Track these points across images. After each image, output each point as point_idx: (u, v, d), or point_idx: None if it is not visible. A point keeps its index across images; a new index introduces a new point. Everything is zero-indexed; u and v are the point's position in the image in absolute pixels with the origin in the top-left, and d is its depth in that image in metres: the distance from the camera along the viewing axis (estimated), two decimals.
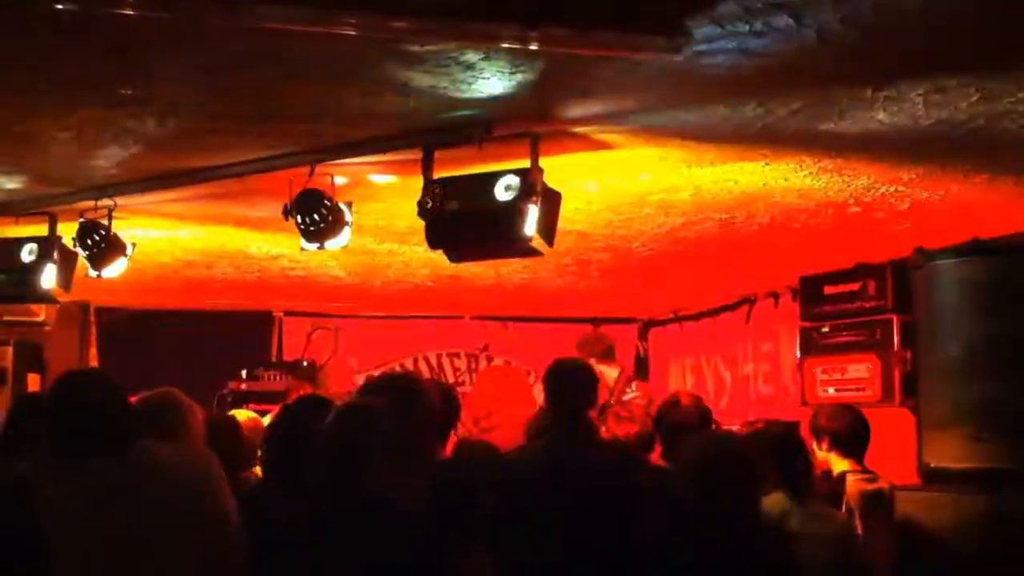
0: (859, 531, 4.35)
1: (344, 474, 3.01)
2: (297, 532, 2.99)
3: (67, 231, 5.52)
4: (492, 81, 3.70)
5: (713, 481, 3.57)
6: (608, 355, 7.32)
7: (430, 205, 4.29)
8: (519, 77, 3.67)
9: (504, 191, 4.16)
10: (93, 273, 5.49)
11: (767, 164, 4.74)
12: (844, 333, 6.74)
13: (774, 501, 4.01)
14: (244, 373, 8.57)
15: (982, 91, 3.77)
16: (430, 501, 3.28)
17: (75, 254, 5.50)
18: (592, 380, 4.30)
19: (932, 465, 4.49)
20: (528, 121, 4.09)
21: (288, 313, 9.72)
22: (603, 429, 4.87)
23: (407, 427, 3.42)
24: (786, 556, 3.61)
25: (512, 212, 4.14)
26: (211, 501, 3.26)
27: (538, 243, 4.23)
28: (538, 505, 3.91)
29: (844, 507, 4.46)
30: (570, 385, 4.20)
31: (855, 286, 6.67)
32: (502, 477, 4.14)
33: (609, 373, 7.17)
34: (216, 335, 9.02)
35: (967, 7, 3.15)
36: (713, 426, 5.31)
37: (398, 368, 9.73)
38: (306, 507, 3.03)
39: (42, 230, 5.62)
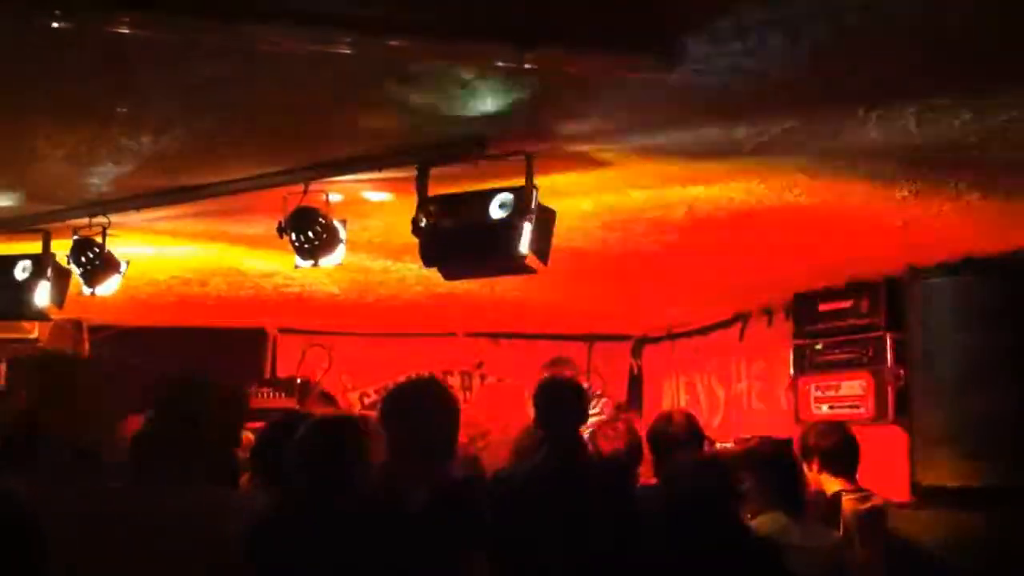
0: (856, 550, 4.34)
1: (332, 470, 3.01)
2: (286, 533, 2.99)
3: (61, 248, 5.51)
4: (487, 100, 3.72)
5: (696, 496, 3.60)
6: (575, 375, 7.38)
7: (424, 223, 4.30)
8: (514, 95, 3.68)
9: (498, 209, 4.17)
10: (87, 290, 5.48)
11: (760, 182, 4.75)
12: (837, 350, 6.76)
13: (771, 519, 4.02)
14: None
15: (975, 110, 3.79)
16: (430, 512, 3.28)
17: (69, 271, 5.49)
18: (582, 398, 4.31)
19: (925, 483, 4.50)
20: (523, 139, 4.10)
21: (282, 330, 9.71)
22: (590, 447, 4.87)
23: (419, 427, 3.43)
24: (777, 568, 3.61)
25: (506, 230, 4.15)
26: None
27: (532, 261, 4.24)
28: (534, 520, 3.91)
29: (841, 527, 4.45)
30: (561, 403, 4.21)
31: (848, 303, 6.70)
32: (499, 493, 4.15)
33: None
34: (210, 352, 8.98)
35: (959, 26, 3.16)
36: (705, 443, 5.32)
37: (391, 384, 9.73)
38: (295, 508, 3.02)
39: (36, 247, 5.61)
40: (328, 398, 8.11)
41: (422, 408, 3.66)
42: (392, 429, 3.48)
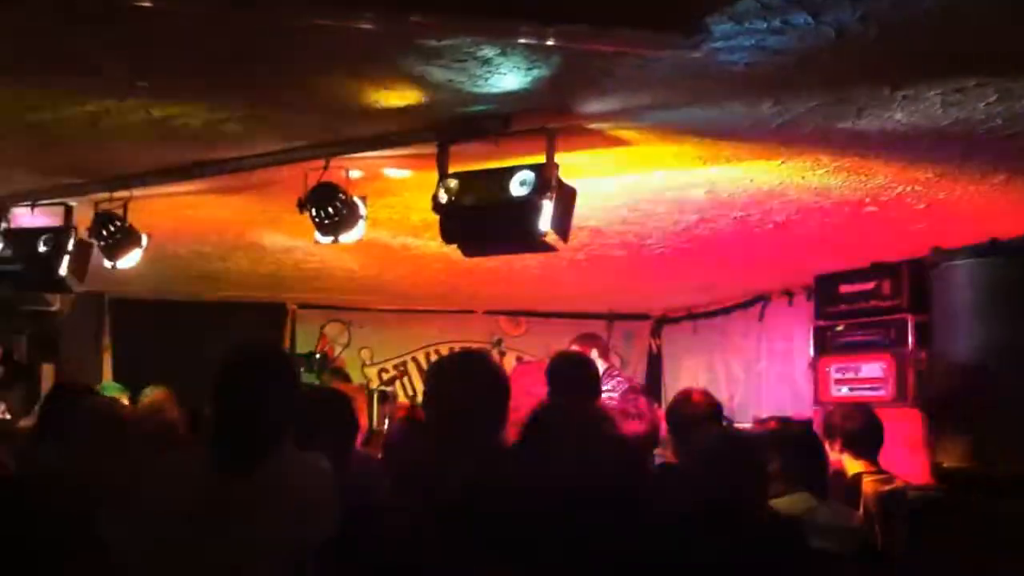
0: (877, 531, 4.33)
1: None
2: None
3: (83, 222, 5.54)
4: (508, 76, 3.70)
5: (723, 474, 3.58)
6: (602, 352, 7.38)
7: (445, 199, 4.29)
8: (535, 72, 3.67)
9: (519, 186, 4.16)
10: (108, 264, 5.51)
11: (783, 162, 4.72)
12: (858, 332, 6.73)
13: (798, 500, 4.00)
14: None
15: (1000, 91, 3.76)
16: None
17: (90, 245, 5.52)
18: (594, 373, 4.29)
19: (945, 465, 4.48)
20: (544, 116, 4.09)
21: (302, 305, 9.75)
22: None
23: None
24: (800, 547, 3.60)
25: (527, 207, 4.14)
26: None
27: (552, 238, 4.23)
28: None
29: (862, 508, 4.44)
30: (573, 378, 4.18)
31: (870, 285, 6.66)
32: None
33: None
34: (230, 327, 9.04)
35: (986, 7, 3.13)
36: (724, 422, 5.30)
37: (409, 359, 9.78)
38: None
39: (58, 220, 5.64)
40: (341, 374, 8.14)
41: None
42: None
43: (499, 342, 10.06)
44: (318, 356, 9.03)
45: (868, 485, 4.52)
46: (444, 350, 10.01)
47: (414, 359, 9.90)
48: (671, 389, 9.59)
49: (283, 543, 2.94)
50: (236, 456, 2.96)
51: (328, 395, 4.17)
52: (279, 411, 3.00)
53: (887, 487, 4.54)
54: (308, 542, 2.97)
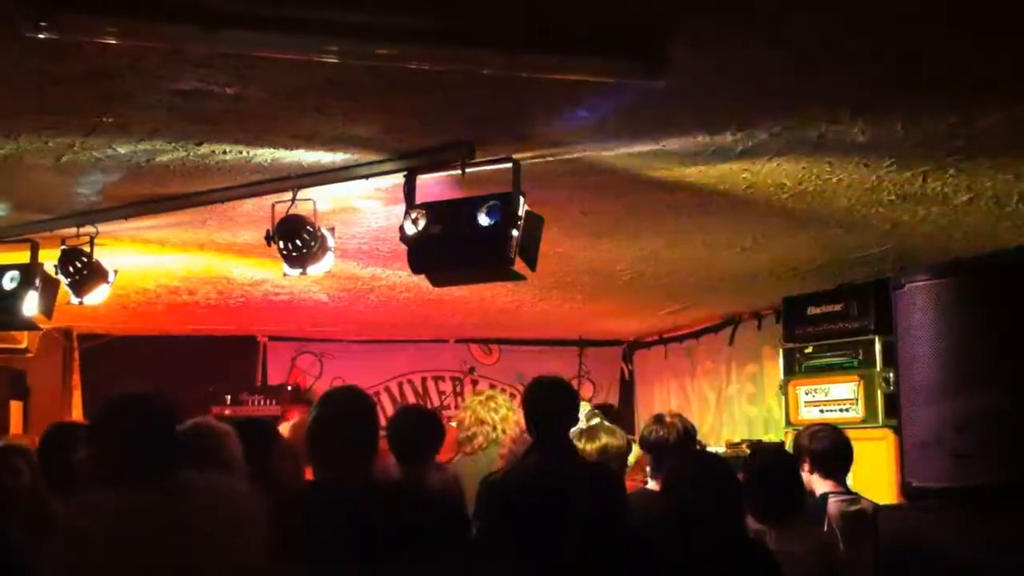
0: (841, 552, 4.33)
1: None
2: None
3: (49, 258, 5.50)
4: (474, 106, 3.72)
5: (704, 497, 3.59)
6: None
7: (412, 230, 4.29)
8: (501, 102, 3.69)
9: (486, 215, 4.17)
10: (75, 300, 5.47)
11: (748, 187, 4.76)
12: (827, 354, 6.78)
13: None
14: (228, 398, 8.57)
15: (960, 112, 3.81)
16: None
17: (57, 281, 5.48)
18: (573, 398, 4.28)
19: (915, 484, 4.50)
20: (510, 146, 4.11)
21: (272, 338, 9.71)
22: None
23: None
24: (774, 571, 3.62)
25: (494, 236, 4.14)
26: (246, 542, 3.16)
27: (521, 267, 4.24)
28: (526, 526, 3.89)
29: (826, 528, 4.47)
30: (552, 404, 4.17)
31: (838, 307, 6.71)
32: (489, 498, 4.14)
33: None
34: (200, 360, 9.00)
35: (941, 29, 3.18)
36: (697, 444, 5.32)
37: (382, 390, 9.76)
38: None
39: (24, 257, 5.59)
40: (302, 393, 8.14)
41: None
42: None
43: (472, 370, 10.06)
44: (290, 389, 9.01)
45: (833, 505, 4.54)
46: (416, 380, 10.03)
47: (387, 389, 9.87)
48: (643, 414, 9.62)
49: (218, 553, 3.03)
50: (149, 473, 3.07)
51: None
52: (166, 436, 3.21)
53: (852, 507, 4.56)
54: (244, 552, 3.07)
